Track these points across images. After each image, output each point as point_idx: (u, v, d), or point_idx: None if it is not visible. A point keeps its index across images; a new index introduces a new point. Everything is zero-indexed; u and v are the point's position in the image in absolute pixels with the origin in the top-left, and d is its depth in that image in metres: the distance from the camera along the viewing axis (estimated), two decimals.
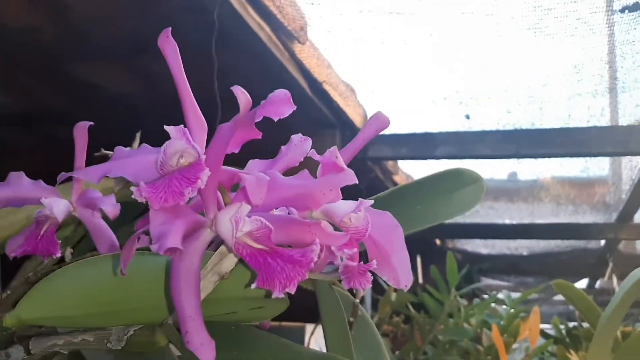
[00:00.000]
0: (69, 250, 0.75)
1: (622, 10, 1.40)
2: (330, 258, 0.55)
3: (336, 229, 0.54)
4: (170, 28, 0.51)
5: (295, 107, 0.48)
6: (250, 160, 0.60)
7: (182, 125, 0.48)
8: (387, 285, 2.32)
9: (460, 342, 2.01)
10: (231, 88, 0.44)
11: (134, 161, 0.51)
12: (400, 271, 0.56)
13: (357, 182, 0.48)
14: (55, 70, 1.97)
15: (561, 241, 3.60)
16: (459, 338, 2.01)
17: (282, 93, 0.47)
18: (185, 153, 0.48)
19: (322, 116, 2.05)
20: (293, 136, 0.65)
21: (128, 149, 0.53)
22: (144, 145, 0.54)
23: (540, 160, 2.46)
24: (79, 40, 1.82)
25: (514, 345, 2.04)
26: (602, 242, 3.53)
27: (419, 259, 3.31)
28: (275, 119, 0.49)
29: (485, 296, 3.25)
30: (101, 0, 1.66)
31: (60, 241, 0.69)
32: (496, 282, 4.40)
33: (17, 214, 0.93)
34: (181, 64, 0.52)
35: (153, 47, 0.53)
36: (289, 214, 0.54)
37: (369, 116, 2.22)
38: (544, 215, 3.23)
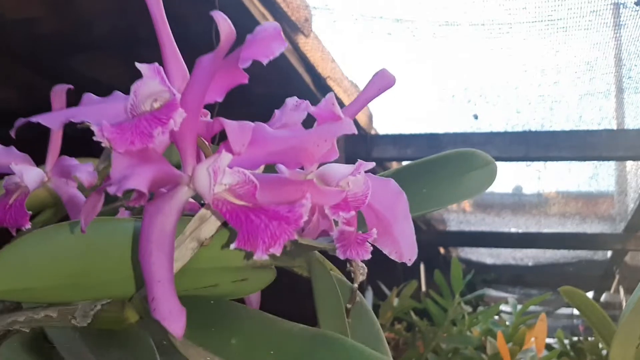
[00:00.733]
0: None
1: (638, 3, 1.34)
2: (325, 226, 0.49)
3: None
4: None
5: (286, 44, 0.42)
6: (258, 123, 0.54)
7: (157, 64, 0.42)
8: (389, 290, 2.25)
9: (464, 351, 1.94)
10: (210, 13, 0.38)
11: (103, 107, 0.45)
12: (402, 243, 0.49)
13: (355, 131, 0.41)
14: (55, 64, 1.92)
15: (567, 252, 3.52)
16: (462, 346, 1.94)
17: (270, 27, 0.41)
18: (159, 96, 0.42)
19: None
20: (288, 99, 0.59)
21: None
22: (116, 92, 0.47)
23: (547, 168, 2.40)
24: (79, 34, 1.78)
25: (519, 355, 1.97)
26: (609, 253, 3.46)
27: (422, 267, 3.24)
28: (265, 61, 0.43)
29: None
30: None
31: (30, 212, 0.63)
32: (501, 294, 4.32)
33: None
34: (161, 2, 0.46)
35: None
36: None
37: (374, 115, 2.16)
38: (550, 224, 3.17)
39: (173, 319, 0.38)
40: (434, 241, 3.38)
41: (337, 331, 0.59)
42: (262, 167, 0.48)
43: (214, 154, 0.43)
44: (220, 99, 0.45)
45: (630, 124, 1.94)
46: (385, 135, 2.17)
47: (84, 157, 0.73)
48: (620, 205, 2.93)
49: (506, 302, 2.26)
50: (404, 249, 0.49)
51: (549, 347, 2.04)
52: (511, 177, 2.82)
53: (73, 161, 0.66)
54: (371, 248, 0.47)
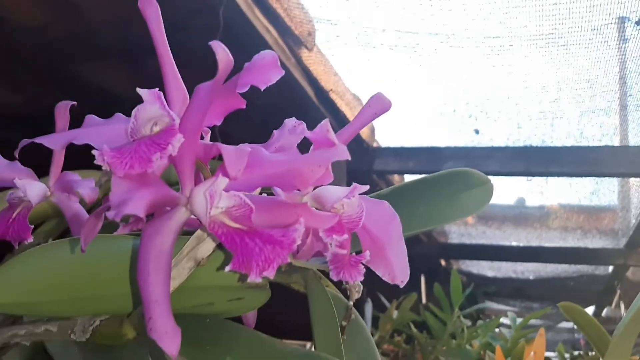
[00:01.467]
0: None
1: (639, 23, 1.35)
2: (319, 247, 0.50)
3: None
4: None
5: (283, 72, 0.43)
6: (255, 146, 0.55)
7: (157, 89, 0.43)
8: (389, 302, 2.25)
9: None
10: (209, 43, 0.39)
11: (104, 129, 0.46)
12: (396, 265, 0.50)
13: (349, 158, 0.42)
14: (62, 72, 1.94)
15: (568, 266, 3.52)
16: None
17: (268, 55, 0.42)
18: (159, 120, 0.43)
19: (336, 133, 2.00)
20: (286, 120, 0.60)
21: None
22: (118, 114, 0.49)
23: (548, 183, 2.41)
24: (86, 41, 1.80)
25: None
26: (610, 268, 3.46)
27: (422, 279, 3.24)
28: (262, 87, 0.44)
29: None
30: (108, 1, 1.63)
31: (32, 226, 0.64)
32: (501, 307, 4.31)
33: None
34: (162, 26, 0.48)
35: None
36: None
37: (376, 128, 2.18)
38: (552, 238, 3.17)
39: (168, 338, 0.39)
40: (435, 253, 3.38)
41: (332, 349, 0.60)
42: (258, 190, 0.50)
43: (211, 176, 0.44)
44: (218, 123, 0.46)
45: (633, 140, 1.94)
46: (387, 148, 2.18)
47: (88, 166, 0.75)
48: (622, 221, 2.93)
49: (506, 316, 2.26)
50: (397, 271, 0.50)
51: None
52: (514, 189, 2.83)
53: (75, 176, 0.67)
54: (364, 270, 0.48)
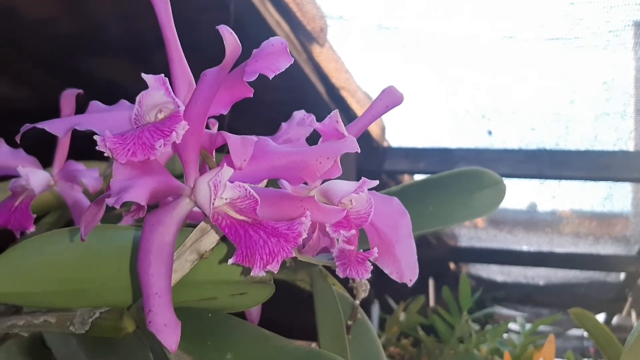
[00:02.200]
0: None
1: None
2: (326, 243, 0.48)
3: None
4: None
5: (292, 60, 0.42)
6: (262, 138, 0.53)
7: (163, 75, 0.42)
8: (397, 304, 2.23)
9: None
10: (217, 27, 0.38)
11: (108, 115, 0.45)
12: (404, 263, 0.49)
13: (358, 150, 0.41)
14: (70, 65, 1.93)
15: (579, 272, 3.48)
16: None
17: (277, 41, 0.41)
18: (164, 107, 0.42)
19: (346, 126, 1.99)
20: (295, 112, 0.59)
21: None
22: (123, 100, 0.48)
23: (561, 188, 2.38)
24: (95, 36, 1.79)
25: None
26: (622, 275, 3.42)
27: (431, 282, 3.22)
28: (270, 76, 0.43)
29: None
30: None
31: (35, 215, 0.63)
32: (510, 312, 4.28)
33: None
34: (169, 8, 0.46)
35: None
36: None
37: (387, 128, 2.16)
38: (563, 244, 3.13)
39: (168, 332, 0.38)
40: (445, 256, 3.35)
41: (336, 348, 0.58)
42: (264, 182, 0.48)
43: (216, 167, 0.42)
44: (225, 112, 0.45)
45: None
46: (398, 148, 2.16)
47: (96, 158, 0.73)
48: (635, 227, 2.89)
49: (515, 321, 2.24)
50: (405, 269, 0.49)
51: None
52: (526, 194, 2.80)
53: (80, 166, 0.66)
54: (371, 267, 0.47)
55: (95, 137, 0.38)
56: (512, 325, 2.37)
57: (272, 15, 1.49)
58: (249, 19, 1.47)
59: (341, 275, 0.45)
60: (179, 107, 0.40)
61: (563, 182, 2.14)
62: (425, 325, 2.11)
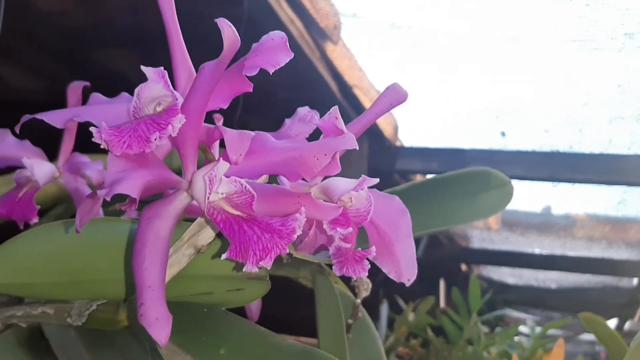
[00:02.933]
0: None
1: None
2: (323, 241, 0.48)
3: None
4: None
5: (292, 55, 0.42)
6: (260, 133, 0.53)
7: (162, 68, 0.42)
8: (406, 304, 2.22)
9: None
10: (216, 20, 0.38)
11: (108, 108, 0.45)
12: (403, 262, 0.48)
13: (356, 147, 0.40)
14: (82, 57, 1.94)
15: (592, 277, 3.45)
16: None
17: (277, 36, 0.40)
18: (163, 100, 0.42)
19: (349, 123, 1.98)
20: (299, 109, 0.58)
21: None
22: (124, 93, 0.47)
23: (575, 191, 2.36)
24: (107, 28, 1.80)
25: None
26: (635, 281, 3.38)
27: (442, 283, 3.21)
28: (271, 70, 0.42)
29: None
30: None
31: (38, 207, 0.64)
32: (522, 315, 4.25)
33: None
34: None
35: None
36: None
37: (400, 127, 2.14)
38: (576, 247, 3.10)
39: (158, 326, 0.38)
40: (456, 257, 3.33)
41: (335, 346, 0.58)
42: (265, 178, 0.48)
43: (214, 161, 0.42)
44: (225, 106, 0.45)
45: None
46: (411, 148, 2.14)
47: (104, 151, 0.74)
48: None
49: (525, 324, 2.22)
50: (404, 268, 0.48)
51: None
52: (540, 196, 2.78)
53: (85, 158, 0.66)
54: (369, 266, 0.46)
55: (91, 128, 0.37)
56: (524, 328, 2.35)
57: (285, 12, 1.49)
58: (262, 15, 1.47)
59: (337, 273, 0.45)
60: (176, 100, 0.40)
61: (577, 185, 2.12)
62: (435, 326, 2.10)
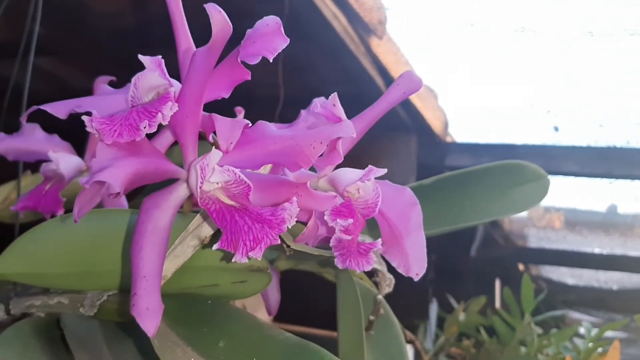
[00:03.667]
0: None
1: None
2: (330, 233, 0.47)
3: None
4: None
5: (288, 40, 0.40)
6: (260, 122, 0.52)
7: (160, 56, 0.41)
8: (458, 304, 2.18)
9: None
10: (205, 5, 0.37)
11: (111, 98, 0.45)
12: (412, 256, 0.46)
13: (354, 134, 0.39)
14: (134, 58, 1.99)
15: None
16: None
17: (272, 21, 0.39)
18: (161, 89, 0.41)
19: (396, 118, 1.95)
20: (315, 99, 0.57)
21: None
22: (129, 84, 0.47)
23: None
24: (157, 29, 1.83)
25: None
26: None
27: (498, 283, 3.13)
28: (270, 57, 0.41)
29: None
30: None
31: (64, 199, 0.65)
32: (583, 317, 4.11)
33: None
34: None
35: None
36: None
37: (450, 122, 2.10)
38: (638, 247, 2.97)
39: (148, 316, 0.37)
40: (512, 257, 3.24)
41: (352, 342, 0.57)
42: (269, 167, 0.47)
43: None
44: (226, 95, 0.44)
45: None
46: (461, 144, 2.10)
47: None
48: None
49: (581, 326, 2.14)
50: (413, 262, 0.46)
51: None
52: (604, 194, 2.68)
53: None
54: (375, 259, 0.44)
55: (82, 117, 0.37)
56: (582, 330, 2.26)
57: (328, 7, 1.48)
58: (304, 11, 1.46)
59: (340, 266, 0.43)
60: (170, 87, 0.39)
61: (636, 182, 2.02)
62: (488, 327, 2.05)
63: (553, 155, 1.96)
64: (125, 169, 0.36)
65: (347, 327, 0.58)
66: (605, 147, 1.85)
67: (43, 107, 0.44)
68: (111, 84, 0.66)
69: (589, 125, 1.78)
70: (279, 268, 0.66)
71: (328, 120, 0.43)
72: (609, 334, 2.19)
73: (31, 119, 0.70)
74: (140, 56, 0.41)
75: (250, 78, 0.42)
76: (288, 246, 0.43)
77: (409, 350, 1.90)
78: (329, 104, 0.43)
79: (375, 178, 0.46)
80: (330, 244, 0.43)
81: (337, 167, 0.49)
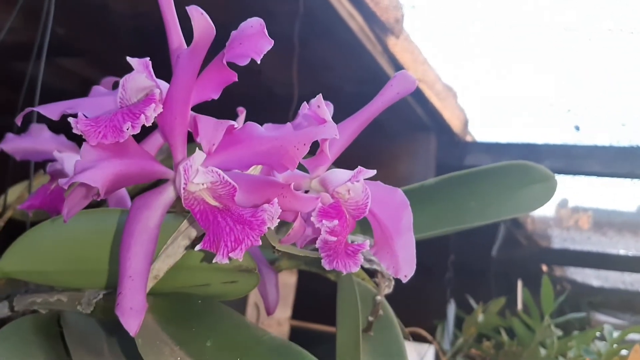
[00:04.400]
0: None
1: None
2: (312, 232, 0.47)
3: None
4: None
5: (272, 42, 0.40)
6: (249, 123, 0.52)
7: (147, 58, 0.42)
8: (477, 304, 2.16)
9: None
10: (187, 8, 0.37)
11: (103, 100, 0.45)
12: (401, 257, 0.46)
13: (337, 136, 0.39)
14: (157, 60, 2.01)
15: None
16: None
17: (256, 22, 0.40)
18: (150, 91, 0.42)
19: (415, 117, 1.94)
20: (312, 100, 0.57)
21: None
22: None
23: None
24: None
25: None
26: None
27: (519, 284, 3.10)
28: (257, 58, 0.42)
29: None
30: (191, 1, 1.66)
31: None
32: (609, 319, 4.04)
33: None
34: None
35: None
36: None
37: (469, 121, 2.08)
38: None
39: (131, 315, 0.38)
40: (535, 258, 3.20)
41: (349, 342, 0.57)
42: (259, 168, 0.47)
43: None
44: (216, 96, 0.44)
45: None
46: (481, 143, 2.08)
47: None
48: None
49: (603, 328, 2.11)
50: (402, 263, 0.46)
51: None
52: (634, 195, 2.62)
53: None
54: (362, 260, 0.44)
55: (69, 119, 0.38)
56: (606, 332, 2.23)
57: (344, 7, 1.47)
58: (320, 10, 1.46)
59: (327, 267, 0.43)
60: (156, 88, 0.40)
61: None
62: (508, 328, 2.03)
63: (574, 155, 1.93)
64: (107, 170, 0.37)
65: (345, 328, 0.58)
66: (628, 147, 1.82)
67: (37, 108, 0.45)
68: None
69: (611, 124, 1.75)
70: (280, 268, 0.66)
71: (315, 122, 0.43)
72: (634, 336, 2.15)
73: (41, 119, 0.71)
74: (128, 58, 0.41)
75: (237, 79, 0.42)
76: (274, 247, 0.43)
77: (430, 350, 1.89)
78: (314, 105, 0.43)
79: (366, 179, 0.46)
80: (317, 245, 0.43)
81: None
